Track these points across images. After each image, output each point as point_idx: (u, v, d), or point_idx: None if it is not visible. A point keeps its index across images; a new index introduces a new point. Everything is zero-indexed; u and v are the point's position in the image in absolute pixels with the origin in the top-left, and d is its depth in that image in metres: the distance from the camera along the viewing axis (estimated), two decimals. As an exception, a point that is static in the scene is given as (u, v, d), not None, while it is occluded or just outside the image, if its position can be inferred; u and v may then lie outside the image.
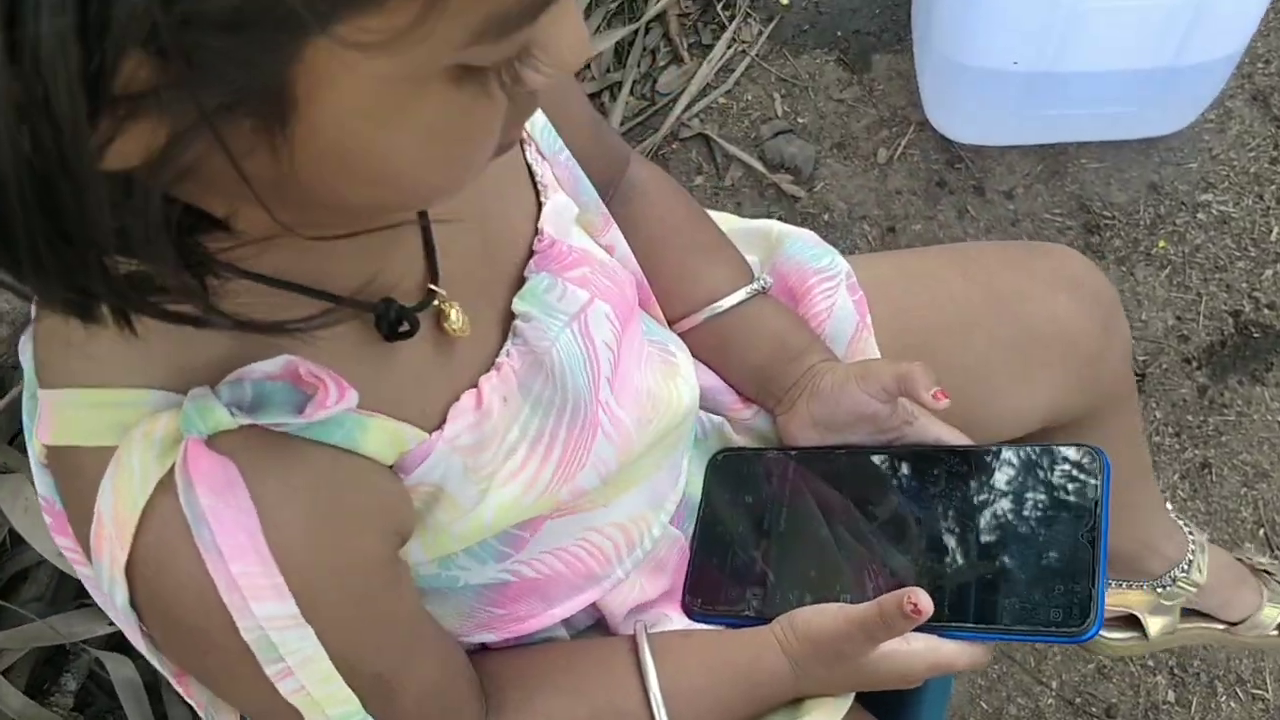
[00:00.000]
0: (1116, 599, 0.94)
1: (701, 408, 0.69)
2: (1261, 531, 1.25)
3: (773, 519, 0.68)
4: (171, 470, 0.41)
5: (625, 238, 0.66)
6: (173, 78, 0.30)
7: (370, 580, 0.49)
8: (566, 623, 0.63)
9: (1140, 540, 0.91)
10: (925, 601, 0.57)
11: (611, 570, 0.63)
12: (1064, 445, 0.64)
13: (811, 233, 0.76)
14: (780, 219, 0.79)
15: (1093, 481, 0.61)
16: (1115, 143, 1.45)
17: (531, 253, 0.57)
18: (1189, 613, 0.98)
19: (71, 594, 1.10)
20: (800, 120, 1.49)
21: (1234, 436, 1.29)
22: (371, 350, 0.48)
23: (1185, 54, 1.29)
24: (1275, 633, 0.99)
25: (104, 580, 0.44)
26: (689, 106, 1.49)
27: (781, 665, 0.61)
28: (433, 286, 0.51)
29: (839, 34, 1.55)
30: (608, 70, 1.52)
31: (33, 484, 0.49)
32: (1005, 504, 0.63)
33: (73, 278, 0.33)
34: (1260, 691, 1.19)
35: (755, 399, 0.72)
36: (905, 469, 0.66)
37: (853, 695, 0.64)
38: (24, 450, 1.00)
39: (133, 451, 0.42)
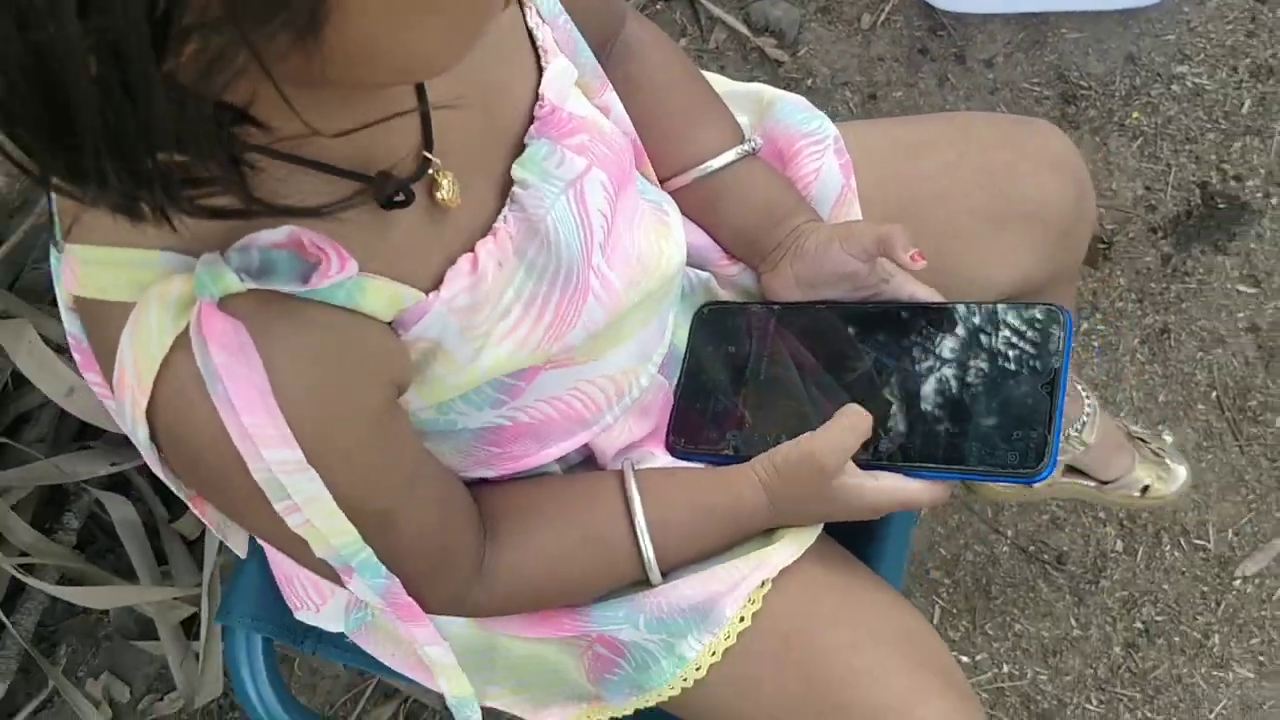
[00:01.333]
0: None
1: (689, 264, 0.73)
2: (1214, 394, 1.31)
3: (753, 368, 0.72)
4: (186, 330, 0.45)
5: (620, 98, 0.68)
6: (228, 10, 0.33)
7: (370, 427, 0.53)
8: (559, 460, 0.68)
9: None
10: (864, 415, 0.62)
11: (601, 416, 0.67)
12: (1031, 304, 0.68)
13: (801, 98, 0.79)
14: (764, 83, 0.81)
15: (1057, 334, 0.66)
16: (1095, 14, 1.47)
17: (532, 119, 0.59)
18: (1069, 469, 1.04)
19: (72, 434, 1.14)
20: (785, -17, 1.49)
21: (1194, 304, 1.34)
22: (371, 217, 0.50)
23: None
24: (1138, 494, 1.07)
25: (126, 419, 0.48)
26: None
27: (760, 500, 0.66)
28: (428, 155, 0.53)
29: (827, -105, 1.54)
30: None
31: (35, 328, 0.52)
32: (972, 356, 0.67)
33: (129, 179, 0.36)
34: (1202, 542, 1.26)
35: (741, 257, 0.75)
36: (880, 323, 0.70)
37: (820, 526, 0.69)
38: (25, 296, 1.02)
39: (150, 310, 0.45)
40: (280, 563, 0.72)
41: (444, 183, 0.53)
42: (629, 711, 0.69)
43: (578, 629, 0.67)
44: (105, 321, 0.48)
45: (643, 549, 0.65)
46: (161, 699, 1.27)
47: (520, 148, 0.58)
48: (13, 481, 1.07)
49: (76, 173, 0.36)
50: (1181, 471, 1.11)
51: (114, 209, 0.38)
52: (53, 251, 0.52)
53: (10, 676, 1.15)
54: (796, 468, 0.65)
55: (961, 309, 0.69)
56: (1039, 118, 0.85)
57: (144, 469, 1.14)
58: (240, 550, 0.65)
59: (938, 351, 0.68)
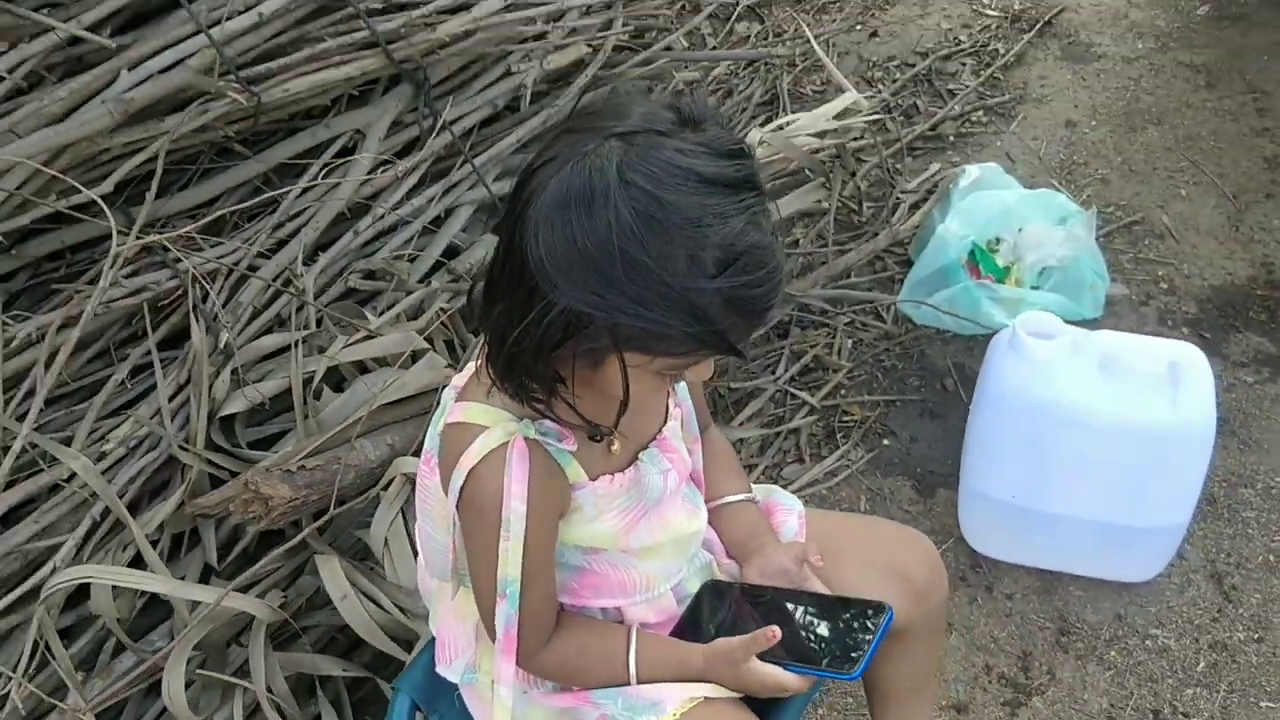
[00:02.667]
0: None
1: (704, 548, 1.32)
2: None
3: (725, 614, 1.28)
4: (506, 445, 1.08)
5: (701, 453, 1.33)
6: (569, 350, 0.98)
7: (549, 522, 1.12)
8: (603, 610, 1.24)
9: None
10: (775, 632, 1.16)
11: (634, 594, 1.24)
12: (872, 601, 1.22)
13: (788, 495, 1.40)
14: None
15: (883, 616, 1.19)
16: (1098, 580, 2.00)
17: (659, 435, 1.24)
18: None
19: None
20: (873, 514, 2.12)
21: None
22: (586, 440, 1.14)
23: (1139, 517, 1.87)
24: None
25: (450, 488, 1.10)
26: (798, 491, 2.15)
27: (700, 663, 1.19)
28: (613, 430, 1.16)
29: (918, 470, 2.21)
30: (751, 457, 2.22)
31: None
32: (834, 615, 1.22)
33: (523, 388, 1.03)
34: None
35: (732, 554, 1.34)
36: (793, 595, 1.25)
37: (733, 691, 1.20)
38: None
39: (495, 432, 1.09)
40: (443, 627, 1.28)
41: (615, 444, 1.17)
42: (604, 766, 1.18)
43: (587, 700, 1.20)
44: (459, 437, 1.11)
45: (630, 668, 1.19)
46: None
47: (646, 447, 1.22)
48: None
49: (502, 375, 1.03)
50: None
51: (508, 393, 1.04)
52: (433, 424, 1.18)
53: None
54: (722, 652, 1.19)
55: (838, 596, 1.24)
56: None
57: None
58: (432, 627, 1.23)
59: (819, 611, 1.23)
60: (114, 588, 1.53)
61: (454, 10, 1.87)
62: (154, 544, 1.57)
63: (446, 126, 1.96)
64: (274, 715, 1.59)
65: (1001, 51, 3.28)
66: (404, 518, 1.65)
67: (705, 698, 1.18)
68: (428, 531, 1.22)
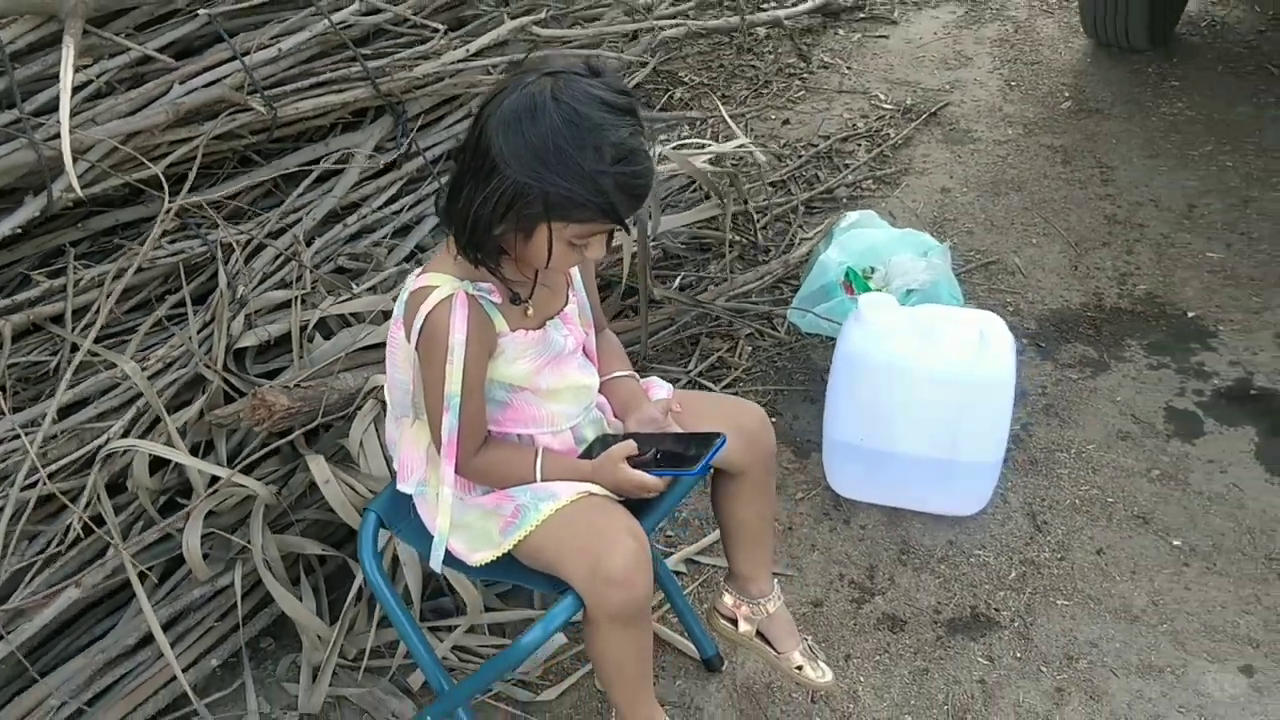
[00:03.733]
0: (730, 600, 1.92)
1: (598, 409, 1.81)
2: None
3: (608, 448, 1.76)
4: (451, 296, 1.57)
5: (596, 340, 1.82)
6: (511, 223, 1.50)
7: (481, 356, 1.61)
8: (519, 436, 1.72)
9: (749, 574, 1.90)
10: (633, 445, 1.64)
11: (543, 427, 1.72)
12: (714, 433, 1.70)
13: (664, 381, 1.90)
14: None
15: (714, 440, 1.67)
16: (935, 515, 2.48)
17: (562, 311, 1.73)
18: (758, 634, 1.93)
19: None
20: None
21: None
22: (510, 305, 1.63)
23: (961, 453, 2.36)
24: (795, 670, 1.93)
25: (412, 331, 1.60)
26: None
27: (588, 469, 1.67)
28: (528, 299, 1.66)
29: (797, 439, 2.70)
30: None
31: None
32: (685, 441, 1.70)
33: (473, 248, 1.53)
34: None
35: (617, 414, 1.82)
36: (659, 436, 1.74)
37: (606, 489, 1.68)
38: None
39: (444, 287, 1.57)
40: (403, 453, 1.75)
41: (530, 309, 1.67)
42: (510, 546, 1.64)
43: (506, 497, 1.67)
44: (421, 297, 1.60)
45: (537, 472, 1.67)
46: None
47: (552, 318, 1.71)
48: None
49: (467, 247, 1.54)
50: (828, 673, 1.95)
51: (467, 258, 1.54)
52: (400, 292, 1.68)
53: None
54: (603, 462, 1.67)
55: (692, 432, 1.73)
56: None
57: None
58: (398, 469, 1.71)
59: (677, 439, 1.72)
60: (149, 469, 2.00)
61: (428, 57, 2.44)
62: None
63: (420, 153, 2.50)
64: (268, 576, 2.04)
65: (892, 135, 3.88)
66: (375, 428, 2.13)
67: (590, 493, 1.65)
68: (395, 378, 1.71)
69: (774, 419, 2.76)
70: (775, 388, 2.86)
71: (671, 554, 2.41)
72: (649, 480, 1.65)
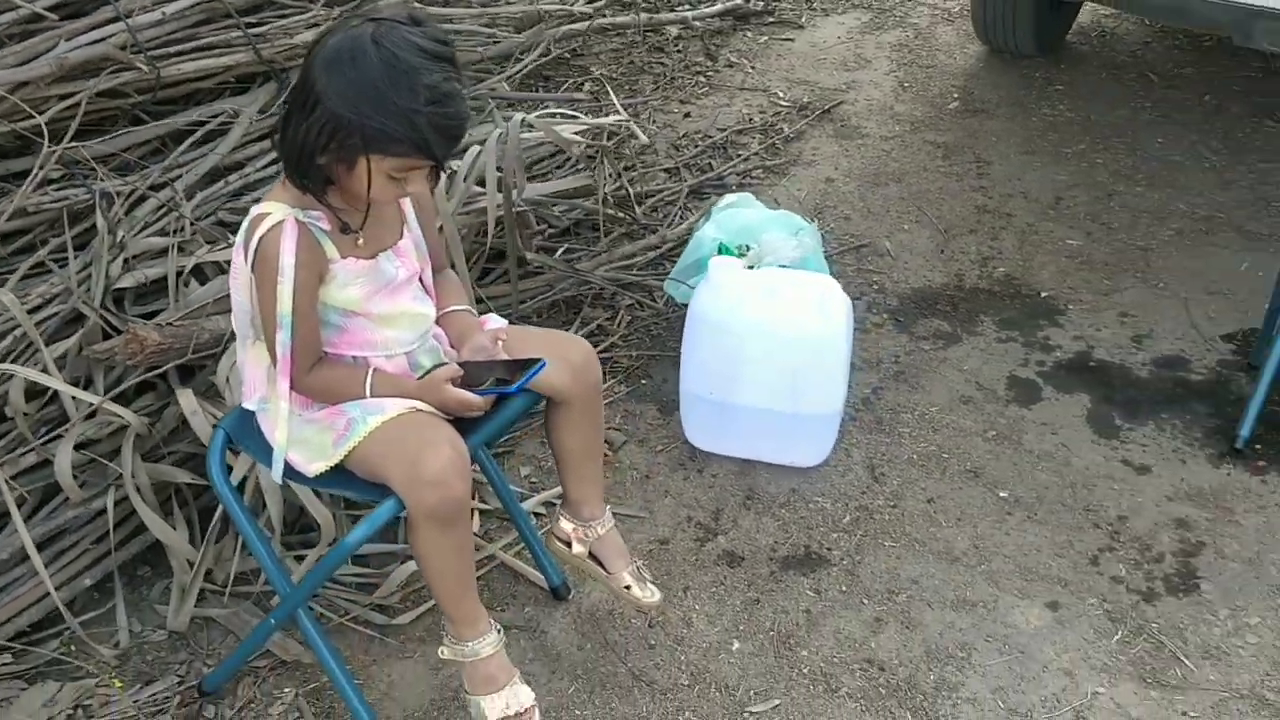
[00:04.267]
0: (565, 524, 2.09)
1: (436, 339, 1.97)
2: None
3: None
4: (281, 222, 1.74)
5: (433, 279, 1.99)
6: (333, 154, 1.66)
7: (311, 282, 1.77)
8: (354, 358, 1.88)
9: (580, 497, 2.07)
10: (456, 368, 1.81)
11: (378, 350, 1.87)
12: (535, 360, 1.87)
13: (501, 319, 2.06)
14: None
15: (534, 364, 1.84)
16: (782, 467, 2.66)
17: (395, 245, 1.90)
18: (590, 555, 2.09)
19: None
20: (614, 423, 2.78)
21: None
22: (341, 234, 1.80)
23: (800, 405, 2.54)
24: (624, 589, 2.09)
25: (248, 254, 1.75)
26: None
27: (415, 388, 1.83)
28: (358, 230, 1.83)
29: (663, 399, 2.88)
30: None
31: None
32: (510, 365, 1.87)
33: (300, 176, 1.70)
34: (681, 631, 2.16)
35: (453, 344, 1.98)
36: (490, 363, 1.90)
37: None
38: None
39: (276, 214, 1.73)
40: (246, 372, 1.90)
41: (361, 239, 1.83)
42: (340, 456, 1.80)
43: (338, 412, 1.82)
44: (257, 223, 1.76)
45: (367, 389, 1.82)
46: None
47: (385, 251, 1.88)
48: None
49: (293, 173, 1.70)
50: (656, 594, 2.12)
51: (297, 186, 1.71)
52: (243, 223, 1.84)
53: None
54: (429, 381, 1.83)
55: (517, 359, 1.89)
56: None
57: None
58: (243, 394, 1.87)
59: (500, 365, 1.88)
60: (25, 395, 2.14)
61: (312, 26, 2.60)
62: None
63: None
64: (138, 500, 2.19)
65: (785, 130, 4.08)
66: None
67: (415, 409, 1.81)
68: (237, 300, 1.86)
69: (644, 380, 2.94)
70: (648, 353, 3.03)
71: (531, 498, 2.56)
72: (472, 398, 1.82)
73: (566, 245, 3.23)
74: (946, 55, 4.68)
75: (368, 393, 1.82)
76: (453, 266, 2.12)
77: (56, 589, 2.16)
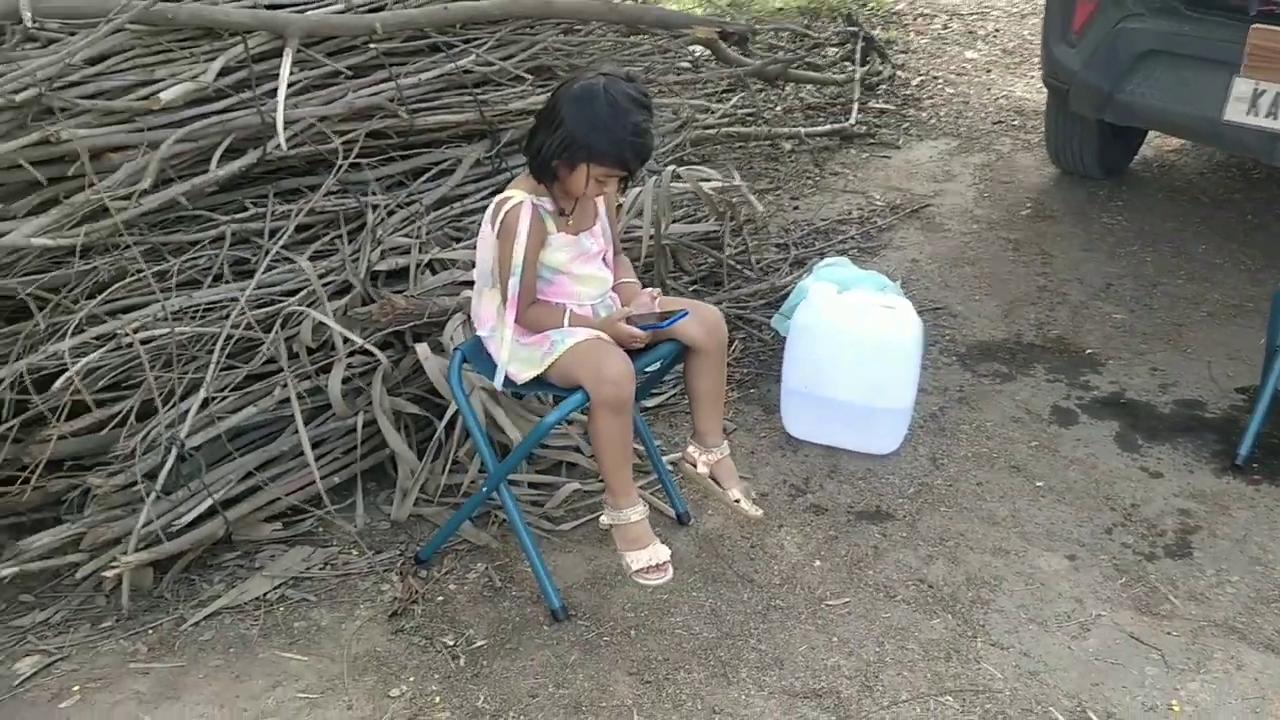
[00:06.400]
0: (692, 450, 2.81)
1: (612, 302, 2.75)
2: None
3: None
4: (521, 202, 2.54)
5: (612, 259, 2.78)
6: (564, 159, 2.48)
7: (536, 244, 2.56)
8: (558, 304, 2.67)
9: (706, 429, 2.79)
10: (626, 311, 2.60)
11: (573, 301, 2.64)
12: (679, 309, 2.64)
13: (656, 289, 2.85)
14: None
15: (679, 313, 2.61)
16: (861, 453, 3.36)
17: (591, 228, 2.69)
18: (714, 479, 2.80)
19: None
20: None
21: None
22: (558, 216, 2.60)
23: (877, 400, 3.26)
24: (735, 501, 2.78)
25: (495, 223, 2.57)
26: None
27: (599, 323, 2.61)
28: (568, 214, 2.64)
29: (766, 402, 3.61)
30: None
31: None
32: (663, 315, 2.64)
33: (539, 171, 2.51)
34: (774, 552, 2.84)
35: (623, 302, 2.76)
36: (646, 314, 2.68)
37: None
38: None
39: (517, 195, 2.54)
40: (482, 308, 2.69)
41: (570, 220, 2.63)
42: (546, 366, 2.57)
43: (545, 338, 2.60)
44: (503, 203, 2.57)
45: (565, 321, 2.60)
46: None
47: (584, 230, 2.68)
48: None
49: (534, 169, 2.53)
50: (759, 511, 2.82)
51: (536, 178, 2.53)
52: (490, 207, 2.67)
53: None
54: (608, 319, 2.61)
55: (673, 311, 2.66)
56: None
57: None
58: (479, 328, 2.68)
59: (655, 314, 2.66)
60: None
61: (521, 97, 3.50)
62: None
63: (508, 168, 3.54)
64: (382, 417, 2.99)
65: (879, 223, 4.87)
66: (461, 332, 3.09)
67: (599, 337, 2.59)
68: (482, 257, 2.66)
69: (753, 390, 3.69)
70: (756, 372, 3.78)
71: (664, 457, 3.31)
72: (636, 331, 2.59)
73: (695, 289, 4.02)
74: (1023, 174, 5.44)
75: (565, 324, 2.60)
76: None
77: (313, 483, 2.94)
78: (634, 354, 2.63)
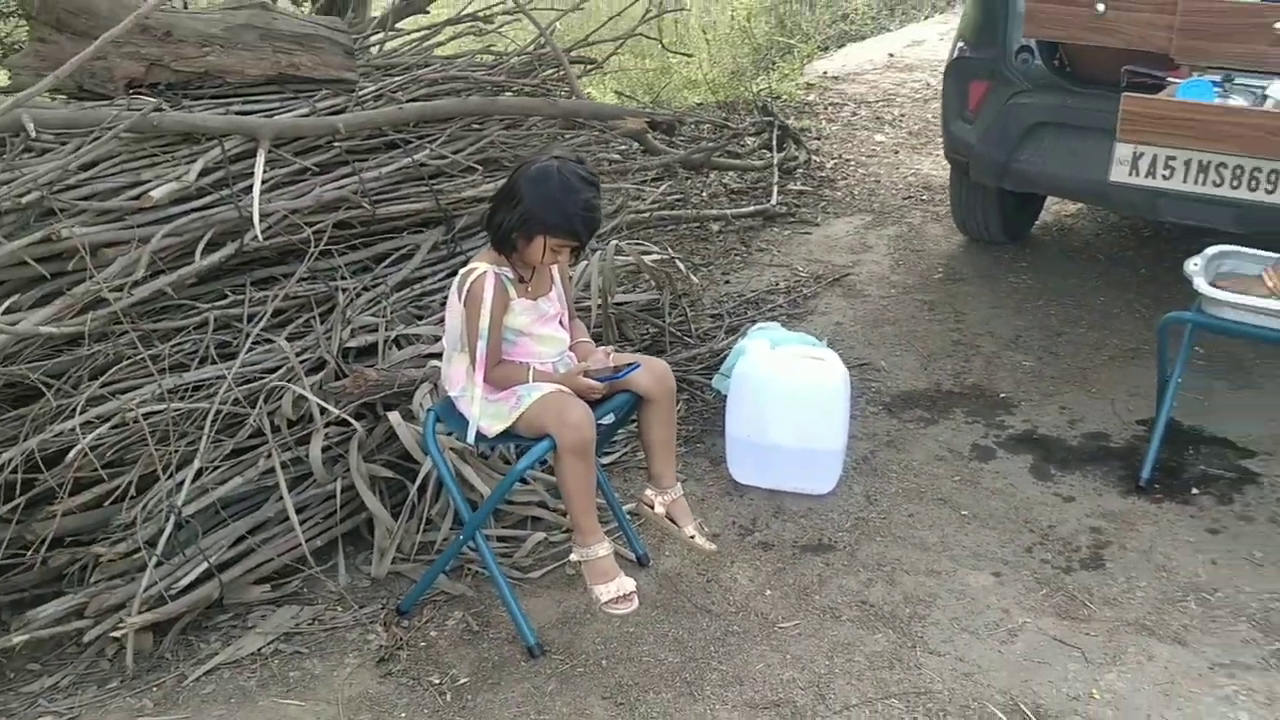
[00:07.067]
0: (649, 492, 3.09)
1: (569, 360, 3.05)
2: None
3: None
4: (485, 272, 2.85)
5: (568, 322, 3.09)
6: (522, 232, 2.79)
7: (499, 312, 2.86)
8: (522, 362, 2.95)
9: (660, 472, 3.06)
10: (585, 365, 2.90)
11: (535, 360, 2.93)
12: (632, 361, 2.95)
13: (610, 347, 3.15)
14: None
15: (631, 365, 2.91)
16: (802, 494, 3.66)
17: (548, 294, 3.00)
18: (669, 518, 3.08)
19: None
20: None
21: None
22: (519, 282, 2.91)
23: (812, 442, 3.58)
24: (690, 538, 3.07)
25: (462, 292, 2.87)
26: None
27: (560, 377, 2.90)
28: (527, 280, 2.95)
29: (711, 453, 3.91)
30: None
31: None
32: (617, 368, 2.94)
33: (499, 244, 2.82)
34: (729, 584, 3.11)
35: (579, 360, 3.05)
36: (601, 370, 2.98)
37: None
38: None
39: (480, 267, 2.84)
40: (452, 371, 2.96)
41: (529, 286, 2.93)
42: (514, 419, 2.85)
43: (511, 394, 2.88)
44: (468, 274, 2.86)
45: (530, 378, 2.89)
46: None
47: (543, 295, 2.98)
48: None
49: (495, 242, 2.84)
50: (713, 545, 3.10)
51: (496, 249, 2.83)
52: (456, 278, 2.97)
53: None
54: (569, 373, 2.91)
55: (627, 362, 2.97)
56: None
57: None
58: (449, 387, 2.96)
59: (610, 368, 2.96)
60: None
61: (474, 185, 3.82)
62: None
63: (461, 252, 3.84)
64: (360, 483, 3.23)
65: (804, 292, 5.24)
66: (430, 396, 3.36)
67: (560, 390, 2.88)
68: (450, 325, 2.94)
69: (698, 444, 3.98)
70: (701, 428, 4.08)
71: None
72: (594, 383, 2.88)
73: (634, 347, 4.34)
74: (934, 243, 5.87)
75: (530, 380, 2.89)
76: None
77: (298, 546, 3.17)
78: (593, 404, 2.91)
